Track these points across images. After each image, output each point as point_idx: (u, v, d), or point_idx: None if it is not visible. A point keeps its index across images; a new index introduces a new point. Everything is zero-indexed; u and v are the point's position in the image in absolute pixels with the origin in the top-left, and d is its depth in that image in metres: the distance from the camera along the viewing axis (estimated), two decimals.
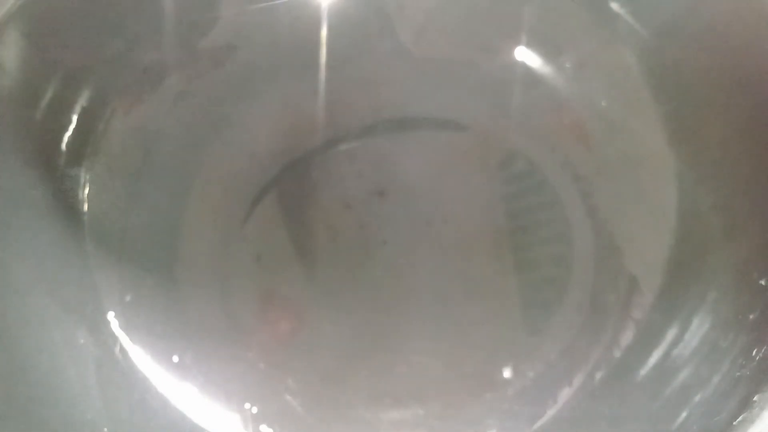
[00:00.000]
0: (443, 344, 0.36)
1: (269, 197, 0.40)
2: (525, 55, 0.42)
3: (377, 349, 0.36)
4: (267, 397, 0.34)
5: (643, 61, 0.39)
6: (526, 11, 0.41)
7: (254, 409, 0.34)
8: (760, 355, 0.29)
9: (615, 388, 0.34)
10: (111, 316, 0.35)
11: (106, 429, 0.32)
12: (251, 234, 0.39)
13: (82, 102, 0.37)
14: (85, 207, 0.37)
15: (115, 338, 0.35)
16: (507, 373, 0.35)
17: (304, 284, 0.37)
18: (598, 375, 0.35)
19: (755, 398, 0.27)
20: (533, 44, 0.41)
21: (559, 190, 0.40)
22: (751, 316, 0.31)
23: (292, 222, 0.39)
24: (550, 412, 0.34)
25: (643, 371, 0.33)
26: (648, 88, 0.39)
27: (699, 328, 0.33)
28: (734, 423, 0.27)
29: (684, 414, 0.30)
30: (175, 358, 0.35)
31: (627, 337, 0.35)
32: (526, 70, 0.41)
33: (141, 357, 0.35)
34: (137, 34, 0.38)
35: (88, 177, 0.37)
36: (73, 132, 0.37)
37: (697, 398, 0.30)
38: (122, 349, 0.35)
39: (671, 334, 0.34)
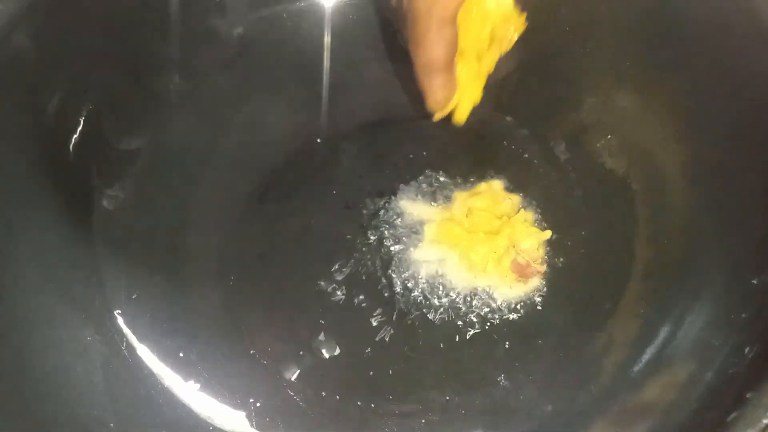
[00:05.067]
0: (442, 341, 0.36)
1: (271, 198, 0.40)
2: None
3: (377, 346, 0.36)
4: (269, 392, 0.35)
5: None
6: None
7: (257, 404, 0.35)
8: (753, 353, 0.29)
9: (609, 385, 0.34)
10: (118, 313, 0.36)
11: (112, 424, 0.32)
12: (254, 234, 0.39)
13: (89, 105, 0.38)
14: (93, 207, 0.37)
15: (121, 335, 0.35)
16: (504, 370, 0.35)
17: (305, 282, 0.38)
18: (593, 372, 0.35)
19: (748, 395, 0.27)
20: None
21: None
22: (743, 315, 0.31)
23: (294, 222, 0.40)
24: (546, 408, 0.34)
25: (637, 368, 0.34)
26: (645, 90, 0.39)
27: (692, 326, 0.33)
28: (727, 420, 0.27)
29: (677, 411, 0.30)
30: (181, 355, 0.35)
31: (621, 334, 0.35)
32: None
33: (147, 354, 0.35)
34: (145, 39, 0.39)
35: (95, 179, 0.38)
36: (80, 134, 0.37)
37: (690, 396, 0.30)
38: (128, 346, 0.35)
39: (664, 332, 0.34)
